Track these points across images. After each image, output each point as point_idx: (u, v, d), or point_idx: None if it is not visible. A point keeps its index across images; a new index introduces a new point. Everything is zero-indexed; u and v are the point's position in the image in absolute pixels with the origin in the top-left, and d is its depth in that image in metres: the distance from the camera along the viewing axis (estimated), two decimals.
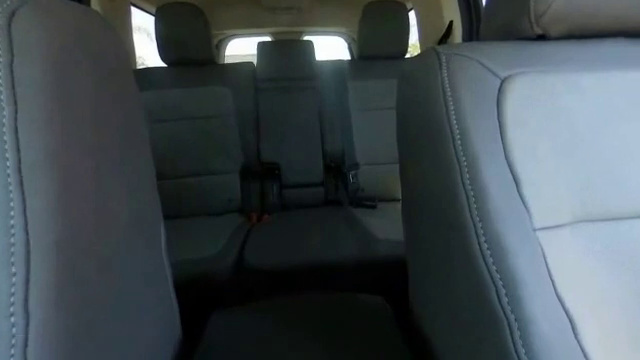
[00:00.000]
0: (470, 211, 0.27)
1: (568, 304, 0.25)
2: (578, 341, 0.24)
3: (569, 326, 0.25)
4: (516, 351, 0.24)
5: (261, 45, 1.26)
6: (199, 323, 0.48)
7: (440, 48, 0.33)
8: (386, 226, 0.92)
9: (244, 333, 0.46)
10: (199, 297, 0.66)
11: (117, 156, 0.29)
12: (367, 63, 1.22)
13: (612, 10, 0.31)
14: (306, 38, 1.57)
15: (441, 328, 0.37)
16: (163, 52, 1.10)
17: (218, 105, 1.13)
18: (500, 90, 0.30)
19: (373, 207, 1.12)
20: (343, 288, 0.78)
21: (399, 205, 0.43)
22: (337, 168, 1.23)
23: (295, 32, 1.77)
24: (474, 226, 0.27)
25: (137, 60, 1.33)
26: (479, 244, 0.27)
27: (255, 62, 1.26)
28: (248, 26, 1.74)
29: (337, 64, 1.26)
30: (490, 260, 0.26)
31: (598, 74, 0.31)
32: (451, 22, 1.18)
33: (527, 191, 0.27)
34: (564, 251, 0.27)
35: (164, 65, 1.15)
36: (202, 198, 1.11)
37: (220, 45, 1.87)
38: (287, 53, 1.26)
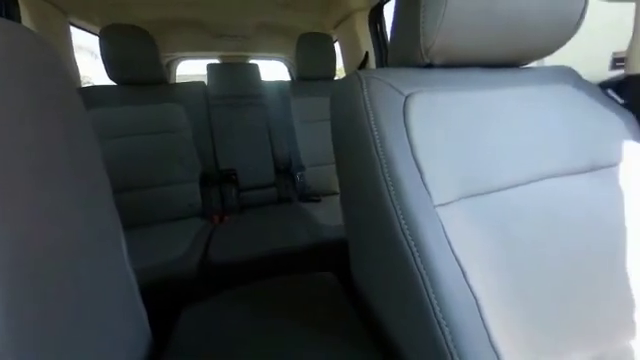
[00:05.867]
0: (390, 197, 0.30)
1: (461, 259, 0.29)
2: (469, 285, 0.28)
3: (461, 275, 0.28)
4: (428, 296, 0.28)
5: (210, 66, 1.25)
6: (171, 322, 0.46)
7: (360, 73, 0.35)
8: (330, 215, 0.97)
9: (211, 325, 0.44)
10: (170, 298, 0.62)
11: (67, 172, 0.26)
12: (305, 83, 1.29)
13: (473, 48, 0.37)
14: (251, 62, 1.56)
15: (377, 289, 0.40)
16: (112, 72, 1.02)
17: (173, 121, 1.10)
18: (405, 104, 0.33)
19: (318, 201, 1.18)
20: (300, 270, 0.77)
21: (339, 197, 0.45)
22: (286, 170, 1.26)
23: (242, 56, 1.77)
24: (394, 207, 0.30)
25: (82, 79, 1.18)
26: (398, 221, 0.29)
27: (206, 81, 1.24)
28: (197, 49, 1.68)
29: (280, 84, 1.31)
30: (407, 232, 0.29)
31: (469, 92, 0.37)
32: (367, 52, 1.32)
33: (427, 179, 0.31)
34: (454, 220, 0.30)
35: (113, 84, 1.06)
36: (164, 206, 1.06)
37: (171, 66, 1.76)
38: (235, 74, 1.26)
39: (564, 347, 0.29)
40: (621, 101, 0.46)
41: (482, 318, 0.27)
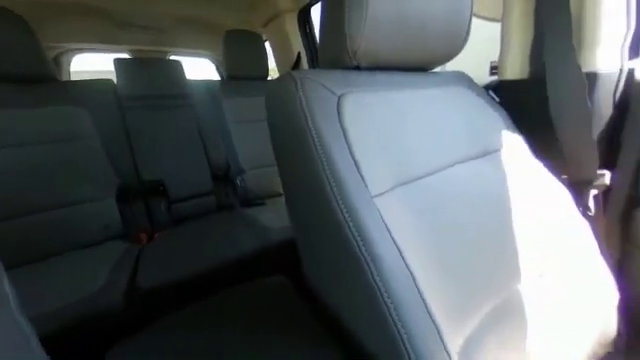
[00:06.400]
0: (332, 193, 0.31)
1: (398, 242, 0.31)
2: (406, 264, 0.30)
3: (400, 256, 0.30)
4: (374, 280, 0.29)
5: (118, 62, 1.08)
6: None
7: (294, 73, 0.36)
8: (276, 217, 0.94)
9: None
10: (95, 339, 0.52)
11: None
12: (236, 83, 1.22)
13: (392, 53, 0.41)
14: (173, 58, 1.38)
15: (328, 284, 0.40)
16: None
17: (72, 127, 0.90)
18: (338, 104, 0.35)
19: (262, 204, 1.13)
20: (250, 278, 0.74)
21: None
22: (224, 176, 1.18)
23: (160, 51, 1.55)
24: (336, 201, 0.31)
25: None
26: (342, 215, 0.30)
27: (115, 79, 1.05)
28: (96, 41, 1.38)
29: (210, 84, 1.21)
30: (351, 223, 0.30)
31: (391, 93, 0.40)
32: (299, 53, 1.33)
33: (364, 172, 0.33)
34: (390, 207, 0.33)
35: None
36: (72, 231, 0.86)
37: (61, 59, 1.41)
38: (152, 71, 1.11)
39: (478, 302, 0.35)
40: (497, 100, 0.59)
41: (419, 292, 0.30)
